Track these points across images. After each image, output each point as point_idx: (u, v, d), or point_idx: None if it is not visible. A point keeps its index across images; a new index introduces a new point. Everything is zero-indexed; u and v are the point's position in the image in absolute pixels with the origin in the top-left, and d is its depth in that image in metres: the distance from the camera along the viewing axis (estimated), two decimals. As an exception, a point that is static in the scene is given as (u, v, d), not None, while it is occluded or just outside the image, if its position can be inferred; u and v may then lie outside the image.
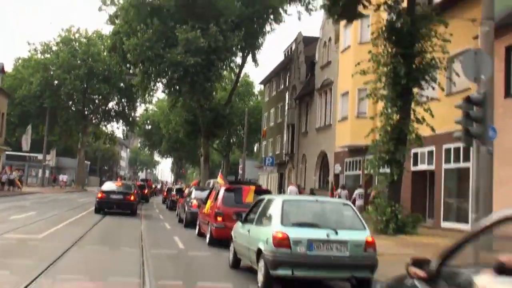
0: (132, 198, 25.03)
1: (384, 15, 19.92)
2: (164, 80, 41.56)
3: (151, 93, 50.35)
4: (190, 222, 20.96)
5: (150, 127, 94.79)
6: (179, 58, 33.21)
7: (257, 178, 58.31)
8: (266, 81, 56.17)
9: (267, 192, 16.07)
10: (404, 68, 18.19)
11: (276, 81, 51.66)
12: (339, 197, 28.92)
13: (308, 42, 43.09)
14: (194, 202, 21.05)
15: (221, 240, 14.67)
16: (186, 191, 30.23)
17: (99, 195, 24.87)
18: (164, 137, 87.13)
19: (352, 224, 8.78)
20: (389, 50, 18.95)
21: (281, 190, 43.81)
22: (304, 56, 42.14)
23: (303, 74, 41.77)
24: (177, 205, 29.18)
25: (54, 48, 64.95)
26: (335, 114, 33.03)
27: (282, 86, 48.80)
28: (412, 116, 19.02)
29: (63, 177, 72.55)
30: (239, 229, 10.68)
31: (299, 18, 45.13)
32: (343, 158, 31.44)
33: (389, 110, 19.20)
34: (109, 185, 26.96)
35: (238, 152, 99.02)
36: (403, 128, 18.84)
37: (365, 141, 27.69)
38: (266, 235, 8.58)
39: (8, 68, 65.34)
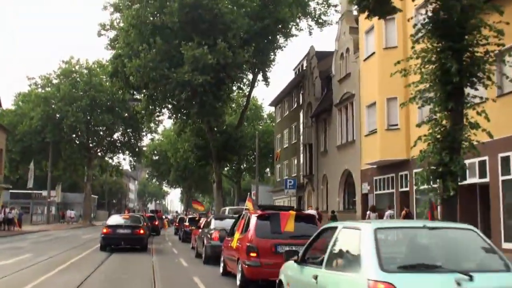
0: (141, 231, 22.41)
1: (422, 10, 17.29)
2: (170, 105, 39.10)
3: (157, 121, 48.01)
4: (211, 257, 18.13)
5: (157, 157, 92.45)
6: (186, 77, 30.66)
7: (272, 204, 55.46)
8: (276, 102, 53.59)
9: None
10: (456, 64, 15.41)
11: (288, 101, 49.05)
12: (369, 218, 26.15)
13: (321, 57, 40.58)
14: (215, 234, 18.19)
15: (256, 281, 11.85)
16: (202, 221, 27.50)
17: (104, 230, 22.22)
18: (172, 166, 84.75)
19: (489, 262, 5.67)
20: (435, 44, 16.19)
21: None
22: (318, 71, 39.53)
23: (318, 90, 39.13)
24: (192, 236, 26.48)
25: (55, 81, 62.88)
26: (359, 129, 30.29)
27: (295, 105, 46.15)
28: (464, 121, 16.20)
29: (70, 213, 69.97)
30: (296, 274, 7.48)
31: (310, 33, 41.86)
32: (371, 176, 28.57)
33: (438, 115, 16.34)
34: (115, 219, 24.35)
35: (249, 178, 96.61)
36: (456, 136, 15.99)
37: (399, 156, 25.03)
38: (353, 286, 5.62)
39: (8, 104, 63.41)
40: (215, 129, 39.28)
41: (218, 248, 17.06)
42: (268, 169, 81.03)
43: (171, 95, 34.97)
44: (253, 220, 12.33)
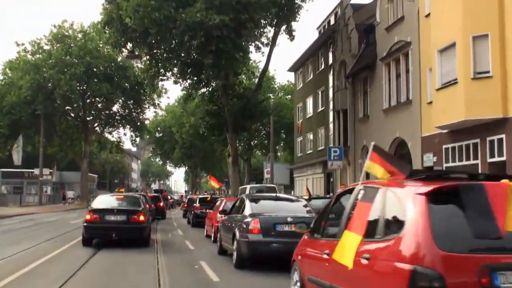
0: (141, 218, 15.44)
1: None
2: (177, 64, 32.54)
3: (161, 88, 41.11)
4: (247, 259, 12.05)
5: (161, 134, 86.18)
6: (199, 17, 24.09)
7: (286, 183, 49.06)
8: (297, 67, 46.89)
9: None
10: None
11: (312, 63, 42.37)
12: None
13: (354, 10, 34.04)
14: (254, 224, 11.73)
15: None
16: (220, 203, 21.17)
17: (88, 216, 15.29)
18: (177, 144, 78.56)
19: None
20: None
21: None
22: (354, 23, 32.87)
23: (355, 45, 32.50)
24: (207, 222, 21.27)
25: (46, 47, 56.03)
26: (418, 86, 23.82)
27: (323, 67, 39.51)
28: None
29: (69, 193, 63.99)
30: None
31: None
32: (439, 145, 22.06)
33: None
34: (104, 200, 17.24)
35: (260, 156, 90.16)
36: None
37: (490, 113, 18.57)
38: None
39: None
40: (230, 92, 32.79)
41: (260, 245, 11.52)
42: (279, 146, 74.48)
43: (178, 45, 28.28)
44: (420, 206, 4.85)
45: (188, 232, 23.32)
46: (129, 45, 34.25)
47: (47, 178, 58.97)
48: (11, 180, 68.99)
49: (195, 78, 32.14)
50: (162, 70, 34.92)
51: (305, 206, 13.15)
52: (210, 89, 34.75)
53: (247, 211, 12.76)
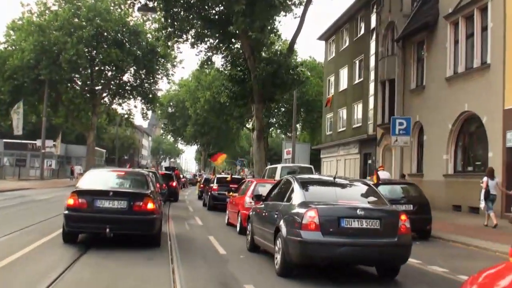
0: (149, 205, 10.51)
1: None
2: (197, 22, 27.75)
3: (177, 50, 36.12)
4: (301, 263, 8.28)
5: (173, 109, 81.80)
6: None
7: (307, 165, 44.28)
8: (329, 35, 41.87)
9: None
10: None
11: (348, 30, 37.42)
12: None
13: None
14: (311, 219, 7.24)
15: None
16: (248, 184, 16.97)
17: (71, 201, 10.27)
18: (190, 120, 74.28)
19: None
20: None
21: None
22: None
23: (408, 3, 27.49)
24: (229, 208, 17.77)
25: (53, 7, 51.12)
26: (502, 46, 18.96)
27: (363, 32, 34.56)
28: None
29: (77, 168, 59.61)
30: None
31: None
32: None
33: None
34: (96, 177, 12.01)
35: (278, 134, 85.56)
36: None
37: None
38: None
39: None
40: (257, 55, 27.90)
41: (318, 248, 8.05)
42: (299, 125, 69.76)
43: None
44: None
45: (208, 221, 18.67)
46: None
47: (51, 150, 54.43)
48: (15, 152, 64.97)
49: (218, 35, 27.23)
50: (178, 31, 30.11)
51: (374, 193, 9.50)
52: (234, 50, 29.84)
53: (297, 198, 8.99)
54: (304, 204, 8.46)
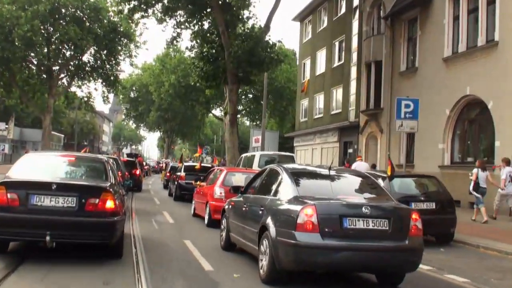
0: (108, 203, 7.67)
1: None
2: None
3: (142, 26, 32.93)
4: (294, 269, 7.08)
5: (136, 94, 78.46)
6: None
7: (289, 153, 41.88)
8: (304, 15, 39.29)
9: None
10: None
11: (327, 8, 34.92)
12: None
13: None
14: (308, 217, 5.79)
15: None
16: (217, 174, 15.44)
17: None
18: (154, 105, 71.33)
19: None
20: None
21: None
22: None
23: (397, -24, 25.08)
24: (196, 198, 16.55)
25: (6, -20, 47.11)
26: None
27: (344, 10, 32.10)
28: None
29: (32, 153, 55.57)
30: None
31: None
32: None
33: None
34: (34, 164, 8.87)
35: (247, 123, 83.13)
36: None
37: None
38: None
39: None
40: (231, 32, 25.21)
41: (317, 253, 6.78)
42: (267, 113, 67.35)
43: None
44: None
45: (179, 216, 16.04)
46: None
47: (3, 134, 50.63)
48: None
49: (189, 7, 24.41)
50: (143, 4, 27.23)
51: (377, 186, 8.42)
52: (206, 25, 27.08)
53: (287, 192, 7.74)
54: (298, 200, 7.19)
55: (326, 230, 6.74)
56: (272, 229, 7.25)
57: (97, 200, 7.62)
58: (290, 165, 9.30)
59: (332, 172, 8.21)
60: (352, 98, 29.45)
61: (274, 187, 8.24)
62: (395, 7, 24.42)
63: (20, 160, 8.99)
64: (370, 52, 26.25)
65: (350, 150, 30.00)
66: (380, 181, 11.64)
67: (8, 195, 7.38)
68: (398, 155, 24.05)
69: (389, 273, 7.51)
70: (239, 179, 14.13)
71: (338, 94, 32.32)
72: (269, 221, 7.43)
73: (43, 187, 7.56)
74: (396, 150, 24.17)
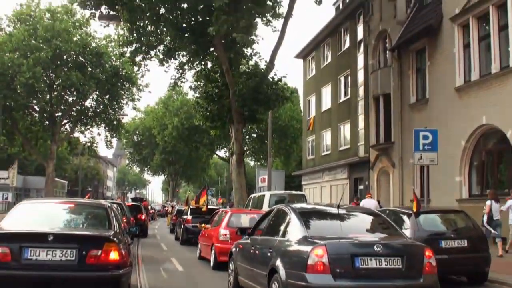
0: (112, 255, 6.83)
1: None
2: (168, 29, 24.52)
3: (144, 68, 32.50)
4: None
5: (140, 137, 78.09)
6: None
7: (299, 192, 41.02)
8: (307, 52, 39.01)
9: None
10: None
11: (330, 44, 34.59)
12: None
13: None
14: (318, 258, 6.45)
15: None
16: (222, 216, 15.44)
17: None
18: (157, 148, 70.87)
19: None
20: None
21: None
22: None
23: (402, 8, 24.71)
24: (201, 241, 16.48)
25: (8, 29, 47.17)
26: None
27: (348, 45, 31.72)
28: None
29: (33, 202, 54.69)
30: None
31: None
32: None
33: None
34: (29, 212, 8.01)
35: (253, 163, 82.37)
36: None
37: None
38: None
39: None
40: (238, 69, 24.74)
41: None
42: (272, 152, 66.68)
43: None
44: None
45: (188, 263, 15.14)
46: (104, 9, 26.19)
47: (6, 182, 49.87)
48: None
49: (192, 46, 23.93)
50: (145, 46, 26.86)
51: (387, 224, 8.20)
52: (209, 65, 26.63)
53: (296, 232, 7.60)
54: (308, 240, 7.06)
55: (338, 270, 6.58)
56: (282, 272, 7.11)
57: (99, 252, 6.83)
58: (298, 205, 9.17)
59: (341, 211, 8.07)
60: (361, 133, 28.81)
61: (282, 227, 8.07)
62: (401, 38, 23.94)
63: (14, 209, 8.19)
64: (378, 85, 25.69)
65: (361, 187, 29.16)
66: (405, 218, 10.87)
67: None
68: (409, 190, 23.21)
69: None
70: (244, 220, 14.30)
71: (345, 129, 31.68)
72: (278, 263, 7.29)
73: (38, 239, 6.77)
74: (409, 184, 23.35)
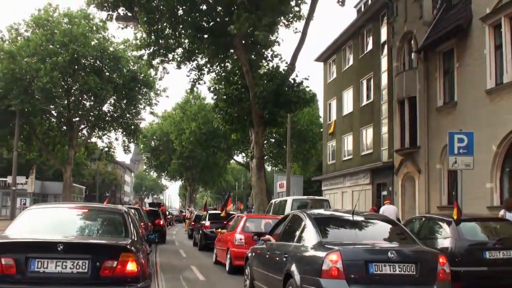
0: (129, 266, 6.18)
1: None
2: (187, 30, 24.02)
3: (162, 70, 31.94)
4: None
5: (157, 142, 77.77)
6: None
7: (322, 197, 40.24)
8: (327, 55, 38.28)
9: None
10: None
11: (352, 46, 33.85)
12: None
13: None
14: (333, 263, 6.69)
15: None
16: (237, 221, 15.98)
17: None
18: (175, 153, 70.48)
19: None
20: None
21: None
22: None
23: (428, 8, 23.89)
24: (217, 246, 16.97)
25: (25, 34, 47.00)
26: None
27: (370, 47, 30.96)
28: None
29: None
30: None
31: None
32: None
33: None
34: (37, 218, 7.17)
35: (267, 168, 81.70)
36: None
37: None
38: None
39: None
40: (258, 70, 24.14)
41: None
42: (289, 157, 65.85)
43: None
44: None
45: (209, 271, 14.50)
46: (122, 10, 25.77)
47: (23, 188, 49.70)
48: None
49: (211, 47, 23.34)
50: (163, 49, 26.37)
51: (401, 231, 8.38)
52: (228, 67, 26.04)
53: (311, 238, 7.74)
54: (323, 246, 7.22)
55: (352, 276, 6.68)
56: (297, 277, 7.27)
57: (115, 263, 6.17)
58: (314, 211, 9.41)
59: (356, 218, 8.24)
60: (384, 137, 28.00)
61: (297, 233, 8.22)
62: (427, 40, 23.13)
63: (20, 215, 7.44)
64: (403, 88, 24.87)
65: (384, 192, 28.32)
66: (445, 226, 10.14)
67: (2, 261, 5.91)
68: (439, 197, 22.37)
69: None
70: (259, 225, 14.74)
71: (368, 134, 30.87)
72: (293, 268, 7.47)
73: (46, 249, 6.08)
74: (436, 192, 22.49)
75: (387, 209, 19.21)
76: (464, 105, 20.80)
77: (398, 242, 7.83)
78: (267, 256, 9.06)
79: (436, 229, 10.73)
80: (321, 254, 6.92)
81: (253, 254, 10.09)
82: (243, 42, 23.21)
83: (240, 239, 13.97)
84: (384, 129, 28.00)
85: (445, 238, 10.02)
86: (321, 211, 11.27)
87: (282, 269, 7.89)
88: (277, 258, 8.41)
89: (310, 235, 7.69)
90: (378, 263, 6.79)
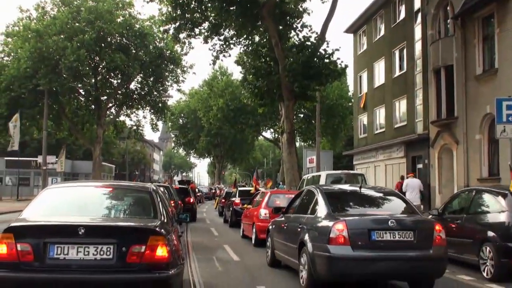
0: (159, 251, 5.54)
1: None
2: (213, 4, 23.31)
3: (188, 46, 31.31)
4: (329, 280, 8.10)
5: (185, 120, 77.50)
6: None
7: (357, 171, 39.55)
8: (358, 25, 37.16)
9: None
10: None
11: (383, 16, 32.73)
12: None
13: None
14: (339, 232, 7.69)
15: None
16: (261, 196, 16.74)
17: (3, 248, 5.16)
18: (203, 130, 70.12)
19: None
20: None
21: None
22: None
23: (465, -28, 22.69)
24: (243, 222, 17.51)
25: (52, 12, 46.74)
26: None
27: (402, 16, 29.86)
28: None
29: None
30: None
31: None
32: None
33: None
34: (56, 199, 6.52)
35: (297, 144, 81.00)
36: None
37: None
38: None
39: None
40: (287, 42, 23.34)
41: (349, 264, 7.71)
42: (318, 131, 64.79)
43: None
44: None
45: (244, 251, 13.93)
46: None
47: (54, 167, 49.98)
48: (17, 170, 60.60)
49: (239, 19, 22.62)
50: (189, 23, 25.70)
51: (404, 203, 8.99)
52: (257, 38, 25.31)
53: (322, 210, 8.56)
54: (331, 216, 8.12)
55: (356, 242, 7.53)
56: (309, 244, 8.14)
57: (143, 248, 5.55)
58: (325, 186, 10.86)
59: (364, 191, 9.10)
60: (419, 108, 27.03)
61: (310, 206, 9.01)
62: (465, 5, 22.03)
63: (39, 195, 6.74)
64: (439, 57, 23.84)
65: (420, 165, 27.45)
66: (499, 199, 9.44)
67: (18, 247, 5.33)
68: (479, 169, 21.47)
69: (418, 280, 8.16)
70: (282, 200, 15.07)
71: (401, 105, 29.91)
72: (306, 237, 8.33)
73: (66, 233, 5.52)
74: (476, 163, 21.59)
75: (410, 182, 19.50)
76: (506, 72, 19.77)
77: (399, 212, 8.50)
78: (285, 227, 9.98)
79: (489, 203, 10.05)
80: (329, 223, 7.78)
81: (274, 226, 10.98)
82: (272, 12, 22.41)
83: (265, 214, 14.60)
84: (419, 100, 27.02)
85: (499, 212, 9.33)
86: (331, 186, 12.90)
87: (297, 239, 8.74)
88: (293, 229, 9.26)
89: (321, 208, 8.52)
90: (379, 231, 7.62)
